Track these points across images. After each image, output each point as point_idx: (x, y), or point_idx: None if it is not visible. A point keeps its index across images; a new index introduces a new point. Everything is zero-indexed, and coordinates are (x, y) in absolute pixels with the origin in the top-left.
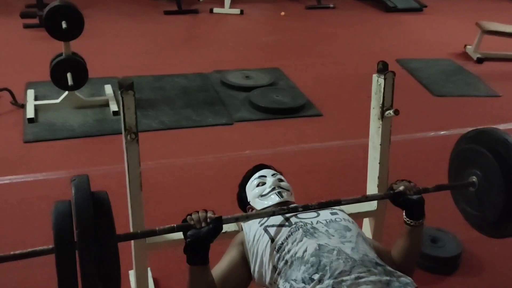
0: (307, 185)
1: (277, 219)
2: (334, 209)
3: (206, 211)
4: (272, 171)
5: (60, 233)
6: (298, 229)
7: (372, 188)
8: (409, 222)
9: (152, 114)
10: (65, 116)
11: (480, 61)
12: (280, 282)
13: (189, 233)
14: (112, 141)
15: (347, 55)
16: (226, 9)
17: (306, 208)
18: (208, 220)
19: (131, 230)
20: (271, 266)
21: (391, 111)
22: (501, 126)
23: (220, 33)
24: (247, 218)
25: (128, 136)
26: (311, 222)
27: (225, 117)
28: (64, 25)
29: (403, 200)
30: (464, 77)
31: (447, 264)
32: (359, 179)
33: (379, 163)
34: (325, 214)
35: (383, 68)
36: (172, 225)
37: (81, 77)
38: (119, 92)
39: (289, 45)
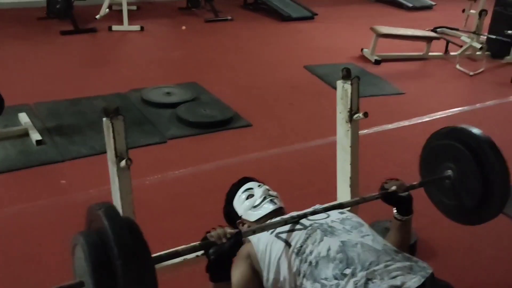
0: None
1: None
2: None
3: (223, 227)
4: (257, 183)
5: (98, 265)
6: (316, 230)
7: (344, 188)
8: (400, 218)
9: (79, 140)
10: None
11: (377, 62)
12: (308, 284)
13: (211, 250)
14: (40, 172)
15: (257, 65)
16: (125, 26)
17: (313, 213)
18: (228, 235)
19: None
20: (293, 271)
21: (360, 114)
22: (414, 120)
23: (124, 51)
24: (263, 229)
25: (124, 162)
26: (326, 222)
27: (157, 136)
28: None
29: (395, 198)
30: (368, 79)
31: None
32: (308, 182)
33: (350, 164)
34: (334, 213)
35: (347, 75)
36: (194, 243)
37: None
38: (107, 118)
39: (198, 59)
